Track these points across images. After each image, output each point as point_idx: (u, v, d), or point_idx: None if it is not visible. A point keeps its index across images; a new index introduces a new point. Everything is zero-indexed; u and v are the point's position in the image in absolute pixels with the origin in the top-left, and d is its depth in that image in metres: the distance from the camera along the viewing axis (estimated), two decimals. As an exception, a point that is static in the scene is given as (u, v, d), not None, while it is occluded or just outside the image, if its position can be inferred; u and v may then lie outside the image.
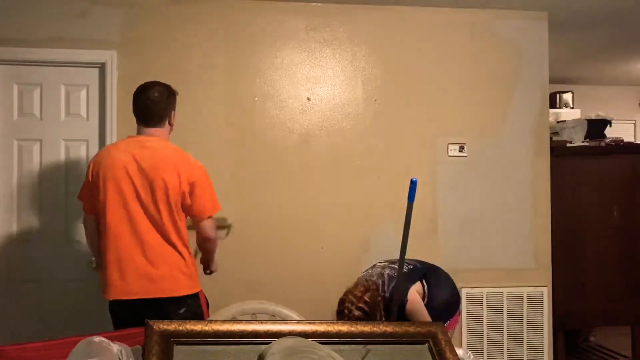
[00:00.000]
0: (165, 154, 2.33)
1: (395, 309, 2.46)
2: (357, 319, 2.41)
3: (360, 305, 2.48)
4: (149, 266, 2.27)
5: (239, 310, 1.99)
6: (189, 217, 2.40)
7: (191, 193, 2.32)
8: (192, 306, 2.34)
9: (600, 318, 3.88)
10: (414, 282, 2.65)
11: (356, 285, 2.61)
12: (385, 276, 2.66)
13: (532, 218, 3.50)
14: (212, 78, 3.27)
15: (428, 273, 2.75)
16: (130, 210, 2.28)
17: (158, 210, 2.28)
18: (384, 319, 2.52)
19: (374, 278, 2.68)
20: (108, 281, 2.31)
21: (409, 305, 2.56)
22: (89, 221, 2.46)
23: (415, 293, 2.60)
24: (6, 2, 3.11)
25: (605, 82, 5.99)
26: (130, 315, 2.23)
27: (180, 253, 2.33)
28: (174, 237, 2.31)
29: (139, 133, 2.42)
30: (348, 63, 3.40)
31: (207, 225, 2.38)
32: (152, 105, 2.38)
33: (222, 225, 3.10)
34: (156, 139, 2.38)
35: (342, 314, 2.50)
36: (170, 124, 2.48)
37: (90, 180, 2.35)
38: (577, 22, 3.80)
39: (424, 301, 2.65)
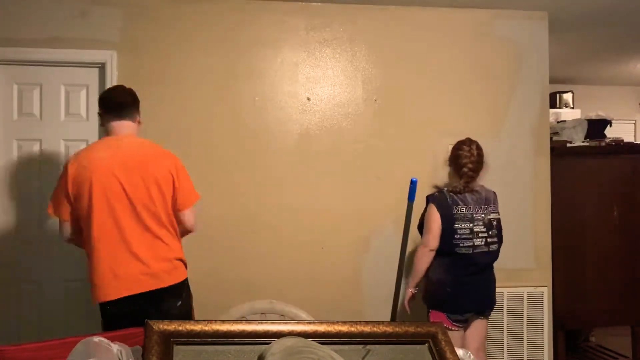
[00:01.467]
0: (146, 149, 2.34)
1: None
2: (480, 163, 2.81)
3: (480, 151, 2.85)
4: (142, 264, 2.26)
5: (249, 309, 1.99)
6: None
7: (175, 184, 2.33)
8: (186, 298, 2.36)
9: (600, 318, 3.88)
10: (438, 207, 2.75)
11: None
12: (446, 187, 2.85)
13: (532, 218, 3.50)
14: (212, 78, 3.27)
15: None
16: (118, 210, 2.24)
17: (153, 204, 2.27)
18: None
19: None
20: (101, 283, 2.25)
21: (426, 208, 2.81)
22: (70, 230, 2.36)
23: (433, 209, 2.75)
24: (6, 2, 3.11)
25: (605, 82, 5.99)
26: (126, 313, 2.21)
27: (171, 244, 2.33)
28: (167, 229, 2.32)
29: (110, 132, 2.37)
30: (348, 63, 3.40)
31: (190, 215, 2.39)
32: (124, 97, 2.40)
33: None
34: (130, 135, 2.38)
35: (473, 159, 2.82)
36: (139, 122, 2.47)
37: (70, 184, 2.26)
38: (577, 22, 3.80)
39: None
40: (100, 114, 2.42)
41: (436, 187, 2.93)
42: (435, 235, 2.74)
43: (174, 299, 2.32)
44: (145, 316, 1.99)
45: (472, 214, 2.76)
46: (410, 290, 2.84)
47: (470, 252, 2.76)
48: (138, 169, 2.26)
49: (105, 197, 2.23)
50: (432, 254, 2.75)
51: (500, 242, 2.85)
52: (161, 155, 2.36)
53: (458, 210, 2.75)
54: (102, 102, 2.41)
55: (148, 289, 2.25)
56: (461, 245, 2.76)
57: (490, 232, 2.79)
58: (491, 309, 2.90)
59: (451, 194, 2.79)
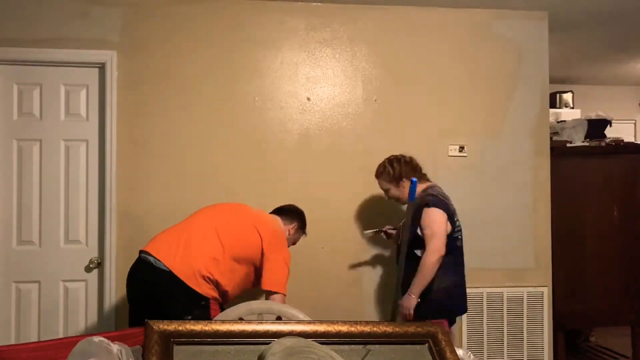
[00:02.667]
0: (258, 219, 2.65)
1: (415, 207, 2.73)
2: (384, 170, 2.88)
3: (398, 161, 2.86)
4: (184, 253, 2.42)
5: (246, 309, 1.99)
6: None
7: (262, 261, 2.55)
8: (201, 315, 2.34)
9: (600, 318, 3.88)
10: (441, 208, 2.71)
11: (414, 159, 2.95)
12: (435, 190, 2.82)
13: (532, 218, 3.50)
14: (212, 78, 3.27)
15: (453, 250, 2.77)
16: (206, 220, 2.57)
17: (233, 244, 2.50)
18: (403, 187, 2.84)
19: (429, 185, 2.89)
20: (154, 238, 2.54)
21: (426, 213, 2.69)
22: None
23: (433, 212, 2.68)
24: (6, 2, 3.11)
25: (605, 82, 5.99)
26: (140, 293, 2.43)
27: (201, 272, 2.44)
28: (223, 270, 2.47)
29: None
30: (348, 63, 3.40)
31: (278, 300, 2.53)
32: (291, 207, 2.91)
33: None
34: (272, 217, 2.79)
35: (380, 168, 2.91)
36: (291, 230, 2.84)
37: None
38: (577, 22, 3.79)
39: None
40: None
41: (427, 193, 2.80)
42: (444, 241, 2.65)
43: (183, 305, 2.33)
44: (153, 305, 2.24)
45: (453, 206, 2.82)
46: (415, 298, 2.66)
47: (461, 245, 2.83)
48: (239, 218, 2.63)
49: (211, 209, 2.68)
50: (441, 260, 2.65)
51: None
52: (259, 229, 2.59)
53: (451, 205, 2.79)
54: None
55: (167, 265, 2.38)
56: (459, 237, 2.81)
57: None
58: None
59: (437, 191, 2.80)
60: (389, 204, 3.36)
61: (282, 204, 2.91)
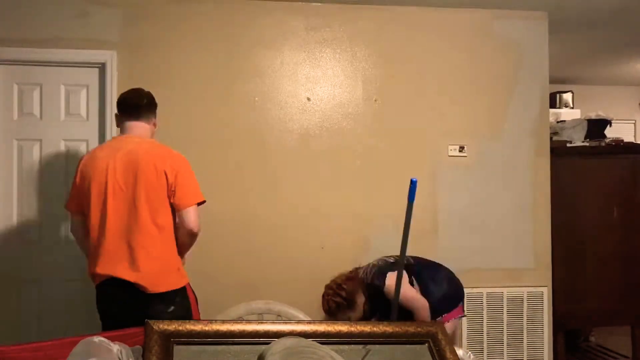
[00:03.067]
0: (146, 148, 2.34)
1: (381, 300, 2.61)
2: (337, 307, 2.55)
3: (339, 291, 2.60)
4: (133, 265, 2.25)
5: (246, 310, 1.99)
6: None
7: (175, 183, 2.30)
8: (181, 304, 2.32)
9: (600, 318, 3.88)
10: (392, 271, 2.66)
11: (339, 275, 2.72)
12: (370, 266, 2.76)
13: (532, 218, 3.49)
14: (212, 78, 3.27)
15: (424, 269, 2.82)
16: (113, 208, 2.27)
17: (141, 204, 2.26)
18: (366, 306, 2.61)
19: (362, 268, 2.77)
20: (91, 260, 2.32)
21: (386, 289, 2.62)
22: (77, 223, 2.44)
23: (392, 278, 2.58)
24: (6, 2, 3.11)
25: (605, 82, 5.99)
26: (119, 301, 2.25)
27: (164, 247, 2.30)
28: (158, 231, 2.29)
29: (122, 131, 2.44)
30: (348, 63, 3.40)
31: (189, 215, 2.32)
32: (140, 99, 2.44)
33: None
34: (139, 136, 2.40)
35: (324, 308, 2.60)
36: (154, 125, 2.51)
37: (77, 183, 2.37)
38: (577, 22, 3.79)
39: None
40: (116, 115, 2.49)
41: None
42: (424, 304, 2.68)
43: (164, 305, 2.27)
44: (131, 317, 2.01)
45: (385, 261, 2.85)
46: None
47: (413, 261, 2.89)
48: (132, 168, 2.28)
49: (100, 194, 2.28)
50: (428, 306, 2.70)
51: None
52: (161, 155, 2.33)
53: (389, 264, 2.81)
54: (119, 103, 2.47)
55: (131, 280, 2.23)
56: (415, 268, 2.85)
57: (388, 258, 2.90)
58: None
59: (376, 273, 2.77)
60: (389, 203, 3.37)
61: (124, 94, 2.49)
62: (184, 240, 2.38)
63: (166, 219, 2.32)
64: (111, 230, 2.27)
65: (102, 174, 2.29)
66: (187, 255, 2.50)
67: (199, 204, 2.38)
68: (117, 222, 2.27)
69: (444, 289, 2.79)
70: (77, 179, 2.37)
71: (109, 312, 2.33)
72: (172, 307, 2.28)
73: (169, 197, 2.31)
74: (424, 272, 2.82)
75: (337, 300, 2.60)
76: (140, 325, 1.65)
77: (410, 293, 2.67)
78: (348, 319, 2.70)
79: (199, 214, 2.36)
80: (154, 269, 2.27)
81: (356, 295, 2.66)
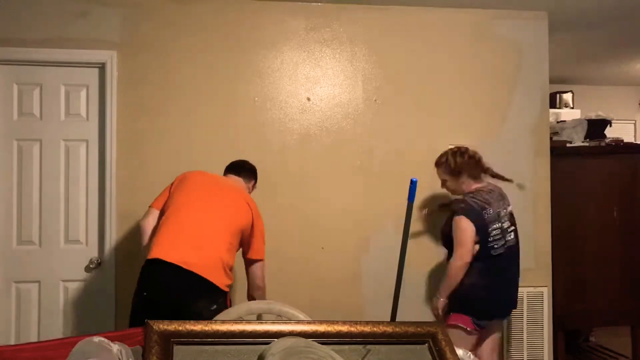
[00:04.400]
0: (242, 190, 2.67)
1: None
2: (445, 160, 2.85)
3: (461, 154, 2.84)
4: (200, 250, 2.35)
5: (245, 309, 1.99)
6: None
7: (253, 231, 2.55)
8: (222, 305, 2.36)
9: (600, 318, 3.87)
10: (470, 218, 2.68)
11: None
12: (469, 198, 2.78)
13: (532, 218, 3.49)
14: (212, 78, 3.27)
15: (504, 257, 2.76)
16: (207, 206, 2.47)
17: (229, 222, 2.47)
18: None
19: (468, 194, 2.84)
20: (158, 242, 2.37)
21: (454, 221, 2.71)
22: (152, 215, 2.58)
23: (466, 221, 2.67)
24: (6, 2, 3.11)
25: (605, 82, 5.99)
26: (159, 300, 2.28)
27: (224, 261, 2.41)
28: (229, 249, 2.45)
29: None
30: (348, 63, 3.40)
31: (260, 269, 2.59)
32: (245, 163, 2.86)
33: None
34: (235, 181, 2.73)
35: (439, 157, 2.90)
36: (253, 187, 2.85)
37: (171, 189, 2.60)
38: (577, 22, 3.79)
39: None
40: (225, 171, 2.82)
41: (461, 199, 2.80)
42: (470, 249, 2.68)
43: (209, 301, 2.31)
44: (178, 310, 2.13)
45: (497, 212, 2.76)
46: (443, 300, 2.76)
47: (503, 252, 2.75)
48: (227, 195, 2.56)
49: (189, 194, 2.50)
50: (467, 266, 2.69)
51: (517, 239, 2.86)
52: (251, 201, 2.61)
53: (488, 214, 2.73)
54: (227, 167, 2.84)
55: (189, 268, 2.30)
56: (495, 247, 2.74)
57: (514, 225, 2.84)
58: (514, 309, 2.93)
59: (475, 199, 2.75)
60: (389, 203, 3.37)
61: (236, 161, 2.87)
62: (253, 295, 2.66)
63: (233, 245, 2.49)
64: (186, 224, 2.41)
65: (198, 184, 2.56)
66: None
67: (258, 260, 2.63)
68: (193, 221, 2.42)
69: (483, 288, 2.72)
70: (173, 186, 2.60)
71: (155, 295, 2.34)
72: (214, 306, 2.31)
73: (243, 239, 2.55)
74: (501, 258, 2.74)
75: (454, 158, 2.83)
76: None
77: (465, 228, 2.67)
78: (443, 182, 2.93)
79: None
80: (212, 264, 2.37)
81: (464, 174, 2.83)
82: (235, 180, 2.74)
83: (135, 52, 3.21)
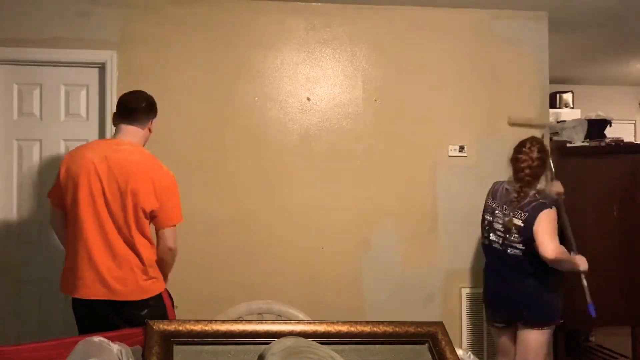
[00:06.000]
0: (138, 159, 2.32)
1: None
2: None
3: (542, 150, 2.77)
4: (116, 269, 2.25)
5: (245, 309, 1.99)
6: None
7: (159, 200, 2.30)
8: (155, 307, 2.31)
9: (600, 318, 3.86)
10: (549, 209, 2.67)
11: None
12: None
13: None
14: (212, 78, 3.27)
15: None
16: (98, 211, 2.26)
17: (125, 215, 2.26)
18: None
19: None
20: (63, 277, 2.31)
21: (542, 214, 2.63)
22: (57, 216, 2.44)
23: (551, 213, 2.64)
24: (6, 2, 3.11)
25: (605, 82, 5.99)
26: (92, 314, 2.26)
27: (142, 258, 2.30)
28: (138, 242, 2.29)
29: (116, 133, 2.41)
30: (348, 63, 3.40)
31: (170, 234, 2.36)
32: (138, 102, 2.41)
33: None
34: (130, 143, 2.37)
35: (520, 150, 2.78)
36: (150, 130, 2.48)
37: (60, 178, 2.33)
38: (577, 22, 3.79)
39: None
40: (113, 114, 2.48)
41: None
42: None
43: (138, 310, 2.26)
44: (107, 321, 2.11)
45: (493, 208, 2.79)
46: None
47: (493, 245, 2.78)
48: (120, 178, 2.26)
49: (90, 197, 2.26)
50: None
51: (524, 250, 2.68)
52: (149, 169, 2.32)
53: (488, 203, 2.83)
54: (117, 104, 2.47)
55: (101, 298, 2.24)
56: (485, 235, 2.82)
57: (507, 235, 2.72)
58: (524, 319, 2.74)
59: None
60: (389, 204, 3.37)
61: (124, 95, 2.47)
62: (165, 257, 2.39)
63: (144, 233, 2.32)
64: (83, 238, 2.25)
65: (88, 176, 2.26)
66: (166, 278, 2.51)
67: None
68: (95, 228, 2.26)
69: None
70: (61, 175, 2.32)
71: (83, 312, 2.33)
72: (145, 311, 2.27)
73: (151, 213, 2.30)
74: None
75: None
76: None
77: (549, 224, 2.63)
78: (531, 160, 2.76)
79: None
80: (130, 280, 2.27)
81: (545, 166, 2.80)
82: (130, 133, 2.38)
83: (135, 52, 3.20)
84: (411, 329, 1.64)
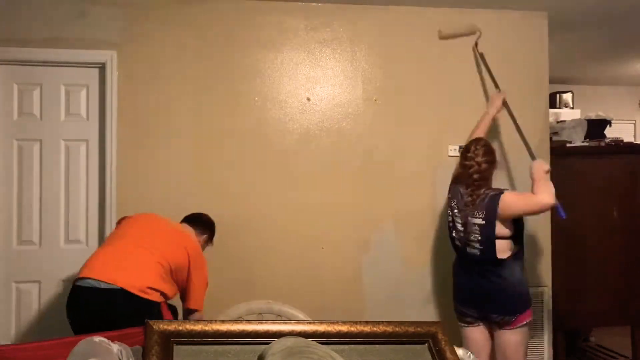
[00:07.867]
0: (186, 236, 2.59)
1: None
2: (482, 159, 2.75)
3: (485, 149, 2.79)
4: (124, 270, 2.31)
5: (245, 309, 2.00)
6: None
7: (190, 277, 2.50)
8: (149, 312, 2.29)
9: (600, 318, 3.87)
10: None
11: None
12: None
13: (532, 218, 3.48)
14: (212, 78, 3.27)
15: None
16: (132, 237, 2.46)
17: (153, 254, 2.38)
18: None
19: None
20: (83, 265, 2.37)
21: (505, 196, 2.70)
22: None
23: (507, 193, 2.73)
24: (6, 2, 3.11)
25: (605, 82, 5.99)
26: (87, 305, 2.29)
27: (165, 294, 2.40)
28: (154, 277, 2.36)
29: None
30: (348, 63, 3.40)
31: (197, 316, 2.53)
32: (204, 217, 2.85)
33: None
34: (184, 228, 2.69)
35: (465, 155, 2.80)
36: (204, 241, 2.80)
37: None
38: (577, 22, 3.79)
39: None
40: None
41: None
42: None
43: (132, 312, 2.24)
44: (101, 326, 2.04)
45: (453, 207, 2.85)
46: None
47: (455, 242, 2.85)
48: (166, 232, 2.53)
49: (132, 227, 2.54)
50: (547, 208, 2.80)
51: (481, 250, 2.72)
52: (187, 247, 2.53)
53: (450, 202, 2.89)
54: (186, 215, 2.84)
55: (109, 281, 2.26)
56: (449, 233, 2.88)
57: (467, 234, 2.77)
58: (499, 314, 2.74)
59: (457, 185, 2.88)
60: (389, 203, 3.37)
61: (194, 213, 2.86)
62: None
63: (167, 279, 2.42)
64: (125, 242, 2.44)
65: (139, 221, 2.57)
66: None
67: None
68: (120, 248, 2.42)
69: (524, 281, 2.78)
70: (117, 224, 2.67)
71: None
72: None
73: (178, 282, 2.48)
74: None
75: (482, 158, 2.77)
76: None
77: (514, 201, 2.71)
78: (477, 164, 2.77)
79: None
80: (135, 278, 2.33)
81: (494, 165, 2.85)
82: (185, 227, 2.71)
83: (135, 52, 3.20)
84: (411, 329, 1.64)
